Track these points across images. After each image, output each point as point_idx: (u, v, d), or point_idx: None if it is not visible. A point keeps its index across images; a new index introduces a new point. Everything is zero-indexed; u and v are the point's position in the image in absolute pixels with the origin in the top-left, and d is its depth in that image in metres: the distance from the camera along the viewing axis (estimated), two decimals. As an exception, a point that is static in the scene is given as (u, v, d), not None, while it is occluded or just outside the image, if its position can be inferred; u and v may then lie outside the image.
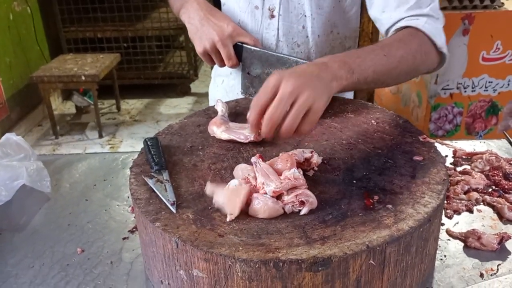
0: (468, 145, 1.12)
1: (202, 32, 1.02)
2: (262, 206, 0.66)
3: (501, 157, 1.02)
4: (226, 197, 0.67)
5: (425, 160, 0.78)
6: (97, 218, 0.93)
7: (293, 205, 0.67)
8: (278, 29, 1.10)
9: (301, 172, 0.72)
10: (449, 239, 0.83)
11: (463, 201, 0.91)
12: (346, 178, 0.75)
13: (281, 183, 0.69)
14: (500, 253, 0.79)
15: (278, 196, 0.68)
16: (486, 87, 2.42)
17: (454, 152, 1.07)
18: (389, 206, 0.67)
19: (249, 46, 0.98)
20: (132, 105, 4.26)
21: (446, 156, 1.07)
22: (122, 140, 3.62)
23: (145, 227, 0.68)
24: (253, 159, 0.74)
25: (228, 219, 0.65)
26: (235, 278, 0.59)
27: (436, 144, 0.84)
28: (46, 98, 3.49)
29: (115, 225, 0.91)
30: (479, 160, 1.01)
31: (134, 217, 0.91)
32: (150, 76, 4.33)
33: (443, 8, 2.27)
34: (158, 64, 4.43)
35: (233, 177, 0.75)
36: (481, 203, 0.92)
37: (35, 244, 0.86)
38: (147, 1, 4.14)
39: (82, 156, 1.20)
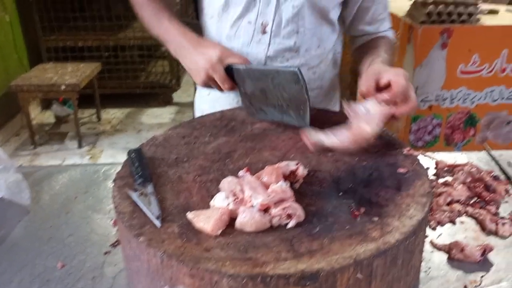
0: (449, 157, 1.14)
1: (194, 65, 1.01)
2: (249, 219, 0.66)
3: (482, 169, 1.04)
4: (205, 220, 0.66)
5: (409, 172, 0.79)
6: (79, 231, 0.91)
7: (280, 218, 0.67)
8: (269, 45, 1.11)
9: (288, 185, 0.72)
10: (433, 251, 0.84)
11: (446, 213, 0.92)
12: (333, 191, 0.75)
13: (269, 196, 0.68)
14: (483, 264, 0.80)
15: (265, 209, 0.68)
16: (464, 99, 2.47)
17: (436, 164, 1.09)
18: (375, 218, 0.68)
19: (237, 66, 0.97)
20: (113, 114, 4.21)
21: (428, 168, 1.09)
22: (103, 150, 3.56)
23: (129, 242, 0.67)
24: (240, 173, 0.73)
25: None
26: (222, 293, 0.59)
27: (419, 157, 0.86)
28: (25, 107, 3.42)
29: (97, 238, 0.89)
30: (461, 172, 1.03)
31: (117, 230, 0.89)
32: (131, 85, 4.29)
33: (422, 22, 2.33)
34: (140, 73, 4.39)
35: (219, 190, 0.74)
36: (464, 215, 0.93)
37: (14, 258, 0.84)
38: (129, 10, 4.10)
39: (63, 168, 1.18)
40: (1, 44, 3.68)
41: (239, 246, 0.63)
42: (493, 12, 2.57)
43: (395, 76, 0.86)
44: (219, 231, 0.65)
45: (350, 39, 1.26)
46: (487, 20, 2.40)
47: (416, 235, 0.67)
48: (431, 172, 1.07)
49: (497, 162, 1.13)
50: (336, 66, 1.25)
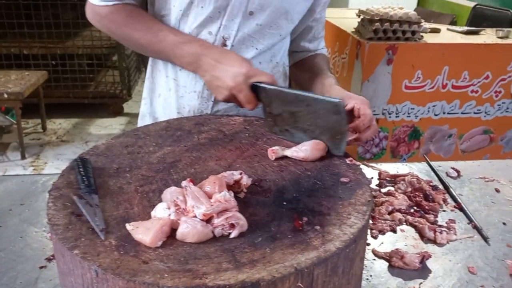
0: (392, 168, 1.18)
1: (216, 81, 0.98)
2: (190, 230, 0.64)
3: (422, 179, 1.08)
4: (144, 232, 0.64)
5: (351, 181, 0.81)
6: (11, 246, 0.86)
7: (223, 228, 0.66)
8: None
9: (232, 194, 0.71)
10: (374, 259, 0.86)
11: (387, 221, 0.94)
12: (277, 200, 0.75)
13: (212, 205, 0.67)
14: (422, 271, 0.83)
15: (208, 220, 0.67)
16: (408, 113, 2.57)
17: (379, 174, 1.12)
18: (317, 227, 0.68)
19: (264, 85, 0.94)
20: (59, 124, 4.05)
21: (372, 178, 1.12)
22: (47, 161, 3.41)
23: (62, 255, 0.64)
24: (183, 183, 0.72)
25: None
26: (160, 306, 0.56)
27: (362, 166, 0.88)
28: (-37, 116, 3.24)
29: (31, 253, 0.84)
30: (402, 182, 1.06)
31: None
32: (79, 95, 4.16)
33: (369, 39, 2.41)
34: (89, 83, 4.27)
35: (161, 200, 0.72)
36: (404, 223, 0.96)
37: None
38: (78, 18, 4.00)
39: (-2, 179, 1.11)
40: None
41: (179, 257, 0.61)
42: (435, 31, 2.71)
43: (362, 106, 0.96)
44: (160, 243, 0.63)
45: (289, 53, 1.28)
46: (429, 38, 2.53)
47: (357, 243, 0.68)
48: (375, 182, 1.10)
49: (436, 172, 1.18)
50: (286, 79, 1.27)
